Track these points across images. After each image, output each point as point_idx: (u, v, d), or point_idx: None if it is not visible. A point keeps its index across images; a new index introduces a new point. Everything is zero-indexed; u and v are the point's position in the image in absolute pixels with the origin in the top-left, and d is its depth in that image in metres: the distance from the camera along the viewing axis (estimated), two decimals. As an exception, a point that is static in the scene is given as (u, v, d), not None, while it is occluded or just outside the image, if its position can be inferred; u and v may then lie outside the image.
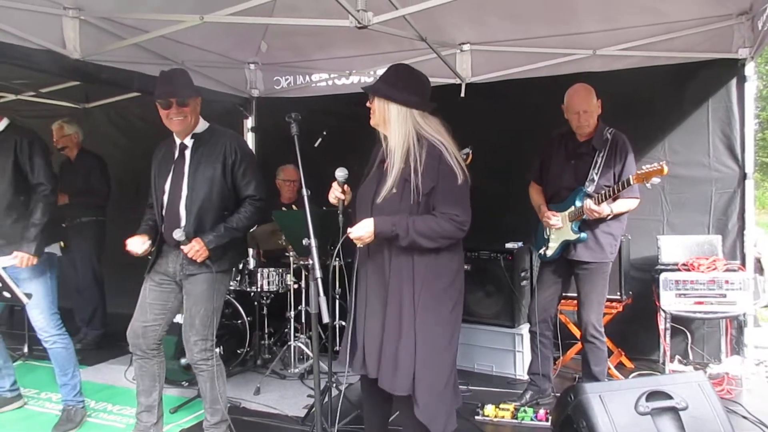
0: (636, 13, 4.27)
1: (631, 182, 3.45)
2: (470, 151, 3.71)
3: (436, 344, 2.58)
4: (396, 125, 2.57)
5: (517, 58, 4.88)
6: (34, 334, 3.65)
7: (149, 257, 3.32)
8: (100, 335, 5.43)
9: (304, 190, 2.60)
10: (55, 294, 3.62)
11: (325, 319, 2.32)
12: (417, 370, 2.53)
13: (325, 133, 4.78)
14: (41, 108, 5.90)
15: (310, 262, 2.44)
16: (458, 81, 5.00)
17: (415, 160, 2.51)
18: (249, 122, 5.99)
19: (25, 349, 4.94)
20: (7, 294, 2.28)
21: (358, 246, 2.66)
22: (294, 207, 5.15)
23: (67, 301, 4.68)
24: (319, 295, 2.35)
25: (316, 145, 4.71)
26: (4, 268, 2.57)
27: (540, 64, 4.83)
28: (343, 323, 4.31)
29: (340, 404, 3.50)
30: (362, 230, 2.54)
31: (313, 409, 3.25)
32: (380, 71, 5.37)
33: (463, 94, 5.01)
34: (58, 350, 3.60)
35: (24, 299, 2.33)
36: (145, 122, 6.09)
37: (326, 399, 3.44)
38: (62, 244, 3.80)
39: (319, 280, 2.36)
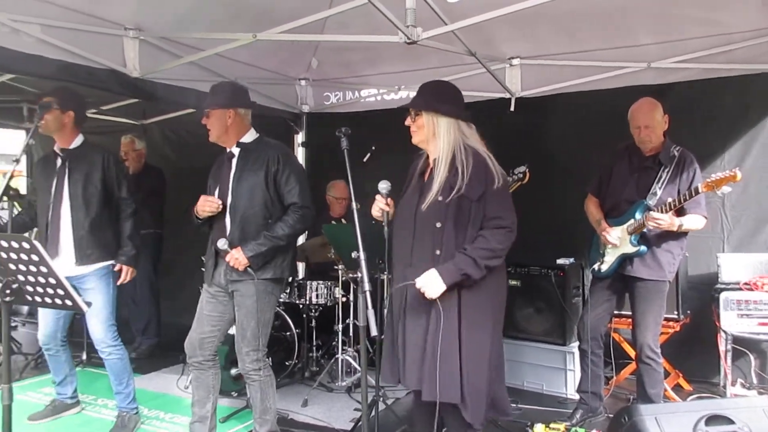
0: (692, 25, 4.16)
1: (700, 190, 3.31)
2: (527, 170, 3.68)
3: (481, 352, 2.62)
4: (444, 137, 2.64)
5: (568, 72, 4.82)
6: (92, 342, 3.78)
7: (202, 269, 3.40)
8: (154, 344, 5.58)
9: (353, 204, 2.61)
10: (115, 306, 3.75)
11: (374, 332, 2.32)
12: (464, 378, 2.57)
13: (374, 147, 4.82)
14: (102, 124, 6.15)
15: (359, 275, 2.45)
16: (508, 95, 4.96)
17: (462, 167, 2.57)
18: (299, 137, 6.10)
19: (84, 357, 5.10)
20: (68, 302, 2.37)
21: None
22: (343, 221, 5.19)
23: (123, 311, 4.83)
24: (367, 308, 2.35)
25: (365, 160, 4.75)
26: (67, 278, 2.69)
27: (592, 78, 4.76)
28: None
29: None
30: (433, 289, 2.51)
31: (360, 422, 3.24)
32: (420, 86, 5.43)
33: (512, 108, 4.97)
34: (113, 361, 3.72)
35: (84, 307, 2.41)
36: (197, 138, 6.26)
37: (373, 413, 3.43)
38: None
39: (368, 293, 2.37)
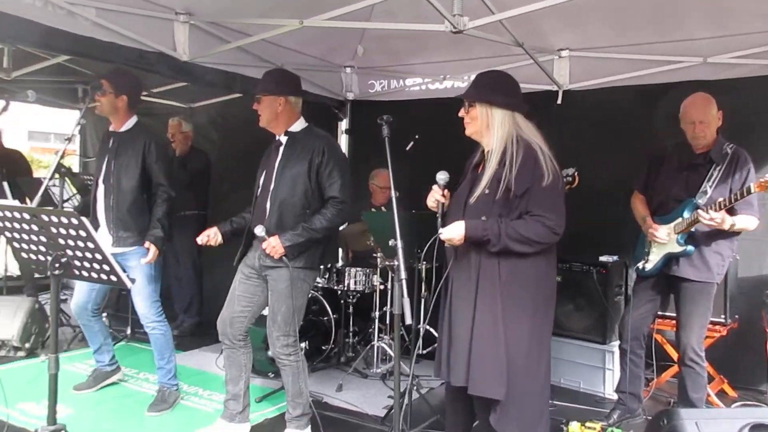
0: (751, 19, 3.98)
1: (753, 190, 3.18)
2: (575, 172, 3.59)
3: (525, 352, 2.55)
4: (498, 129, 2.59)
5: (618, 65, 4.68)
6: (137, 318, 3.91)
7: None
8: (195, 323, 5.72)
9: (392, 192, 2.61)
10: (158, 283, 3.85)
11: (408, 320, 2.32)
12: (509, 377, 2.51)
13: (417, 137, 4.80)
14: (152, 107, 6.30)
15: (396, 263, 2.44)
16: (555, 88, 4.86)
17: (511, 160, 2.51)
18: (343, 124, 6.12)
19: (128, 331, 5.28)
20: (113, 278, 2.44)
21: (447, 250, 2.65)
22: (383, 209, 5.20)
23: (168, 289, 4.95)
24: (403, 296, 2.35)
25: (407, 148, 4.73)
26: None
27: (644, 72, 4.61)
28: (428, 328, 4.29)
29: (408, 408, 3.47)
30: (453, 232, 2.52)
31: (393, 410, 3.26)
32: (474, 76, 5.36)
33: (559, 101, 4.87)
34: (157, 336, 3.83)
35: (128, 283, 2.49)
36: (243, 123, 6.34)
37: (406, 401, 3.44)
38: None
39: (404, 282, 2.36)
